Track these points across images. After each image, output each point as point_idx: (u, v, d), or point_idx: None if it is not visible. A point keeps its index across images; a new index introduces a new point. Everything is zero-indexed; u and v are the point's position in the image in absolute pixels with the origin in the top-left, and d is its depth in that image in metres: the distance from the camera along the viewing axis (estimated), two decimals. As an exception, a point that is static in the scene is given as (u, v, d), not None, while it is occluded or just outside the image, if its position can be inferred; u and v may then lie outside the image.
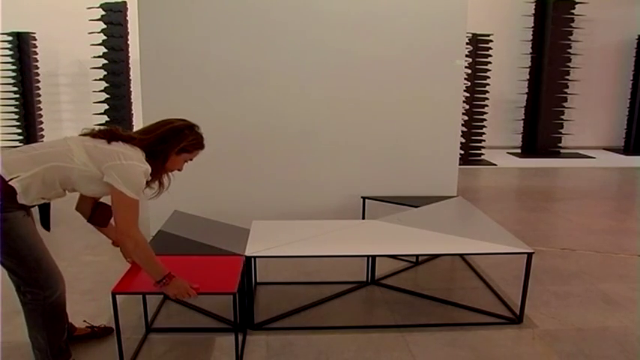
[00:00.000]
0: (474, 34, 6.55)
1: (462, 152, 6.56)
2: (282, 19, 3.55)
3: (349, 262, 3.20)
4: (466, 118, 6.64)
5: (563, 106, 7.36)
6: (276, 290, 2.91)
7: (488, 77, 6.80)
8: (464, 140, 6.67)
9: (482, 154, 6.97)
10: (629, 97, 7.77)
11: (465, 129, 6.61)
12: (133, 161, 1.91)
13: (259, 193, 3.75)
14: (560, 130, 7.43)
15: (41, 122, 6.85)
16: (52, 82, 7.18)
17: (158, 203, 3.63)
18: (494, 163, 6.80)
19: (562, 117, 7.39)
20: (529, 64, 7.39)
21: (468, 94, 6.68)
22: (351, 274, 3.06)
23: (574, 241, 3.77)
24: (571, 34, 7.19)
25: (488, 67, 6.77)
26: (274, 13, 3.54)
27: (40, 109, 6.84)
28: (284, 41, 3.57)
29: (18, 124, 6.63)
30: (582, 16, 7.22)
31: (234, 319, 2.04)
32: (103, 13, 6.14)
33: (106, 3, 6.12)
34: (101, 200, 2.20)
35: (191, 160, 2.22)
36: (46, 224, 2.07)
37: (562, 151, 7.50)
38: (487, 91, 6.85)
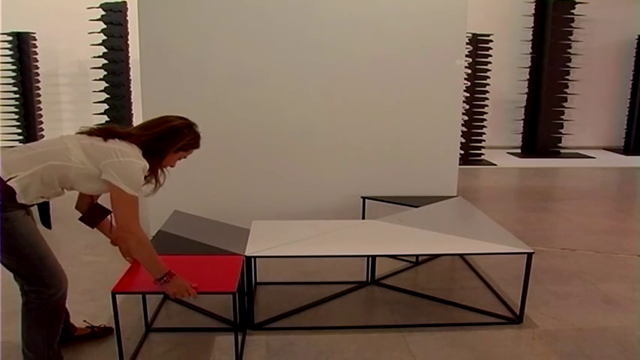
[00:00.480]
0: (474, 34, 6.55)
1: (462, 152, 6.56)
2: (282, 20, 3.55)
3: (349, 262, 3.20)
4: (466, 118, 6.64)
5: (563, 106, 7.36)
6: (276, 290, 2.91)
7: (489, 77, 6.80)
8: (464, 140, 6.67)
9: (483, 154, 6.97)
10: (629, 97, 7.76)
11: (465, 129, 6.61)
12: (131, 158, 1.90)
13: (259, 193, 3.75)
14: (560, 130, 7.43)
15: (41, 122, 6.85)
16: (52, 82, 7.18)
17: (158, 203, 3.65)
18: (494, 163, 6.80)
19: (562, 117, 7.39)
20: (529, 64, 7.39)
21: (468, 94, 6.68)
22: (351, 274, 3.06)
23: (574, 241, 3.77)
24: (571, 34, 7.19)
25: (488, 67, 6.76)
26: (274, 14, 3.54)
27: (40, 109, 6.84)
28: (284, 41, 3.57)
29: (18, 124, 6.63)
30: (582, 16, 7.22)
31: (233, 319, 2.04)
32: (103, 13, 6.14)
33: (106, 3, 6.13)
34: (98, 201, 2.20)
35: (185, 158, 2.21)
36: (46, 222, 2.08)
37: (562, 151, 7.49)
38: (487, 91, 6.85)
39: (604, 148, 7.99)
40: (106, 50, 6.21)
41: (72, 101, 7.32)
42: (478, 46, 6.68)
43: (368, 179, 3.73)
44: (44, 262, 1.91)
